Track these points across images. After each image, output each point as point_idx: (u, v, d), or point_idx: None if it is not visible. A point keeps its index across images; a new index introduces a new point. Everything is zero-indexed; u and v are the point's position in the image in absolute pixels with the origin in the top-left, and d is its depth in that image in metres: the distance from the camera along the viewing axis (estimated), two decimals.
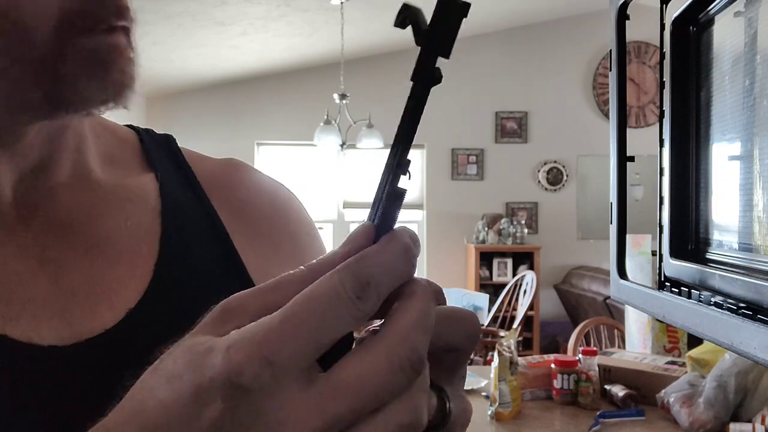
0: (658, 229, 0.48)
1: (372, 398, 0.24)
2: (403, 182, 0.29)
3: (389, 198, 0.29)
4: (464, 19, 0.29)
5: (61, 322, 0.39)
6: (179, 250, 0.44)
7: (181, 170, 0.49)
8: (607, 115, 5.57)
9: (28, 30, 0.36)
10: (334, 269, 0.25)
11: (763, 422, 1.50)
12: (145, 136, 0.50)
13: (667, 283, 0.46)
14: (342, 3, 4.35)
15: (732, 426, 1.52)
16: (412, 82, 0.30)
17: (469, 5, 0.29)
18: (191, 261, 0.44)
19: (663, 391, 1.72)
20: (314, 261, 0.28)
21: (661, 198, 0.48)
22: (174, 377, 0.25)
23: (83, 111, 0.39)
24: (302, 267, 0.27)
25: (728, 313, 0.38)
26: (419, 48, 0.30)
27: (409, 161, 0.29)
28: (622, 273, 0.59)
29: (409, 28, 0.33)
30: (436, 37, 0.29)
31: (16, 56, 0.36)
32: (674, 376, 1.81)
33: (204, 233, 0.46)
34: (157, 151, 0.49)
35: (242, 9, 4.38)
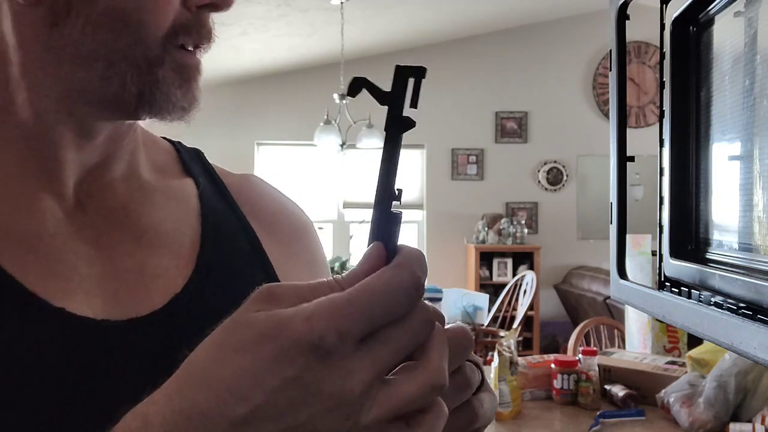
0: (658, 229, 0.48)
1: (406, 349, 0.31)
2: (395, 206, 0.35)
3: (389, 221, 0.34)
4: (423, 80, 0.34)
5: (112, 300, 0.44)
6: (217, 246, 0.50)
7: (213, 179, 0.56)
8: (607, 115, 5.57)
9: (143, 33, 0.42)
10: (390, 266, 0.31)
11: (763, 422, 1.50)
12: (180, 147, 0.57)
13: (667, 283, 0.46)
14: (342, 3, 4.35)
15: (732, 426, 1.52)
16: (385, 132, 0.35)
17: (425, 69, 0.33)
18: (227, 255, 0.51)
19: (663, 391, 1.72)
20: (340, 276, 0.32)
21: (661, 198, 0.48)
22: (247, 345, 0.29)
23: (166, 116, 0.46)
24: (332, 279, 0.32)
25: (728, 313, 0.38)
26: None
27: (399, 190, 0.35)
28: (622, 273, 0.59)
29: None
30: (396, 97, 0.34)
31: (127, 53, 0.43)
32: (674, 376, 1.81)
33: (236, 233, 0.52)
34: (191, 161, 0.56)
35: (242, 9, 4.38)
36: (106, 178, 0.48)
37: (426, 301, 0.33)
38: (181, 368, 0.31)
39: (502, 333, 4.02)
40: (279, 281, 0.50)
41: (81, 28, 0.42)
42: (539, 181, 5.93)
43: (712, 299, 0.40)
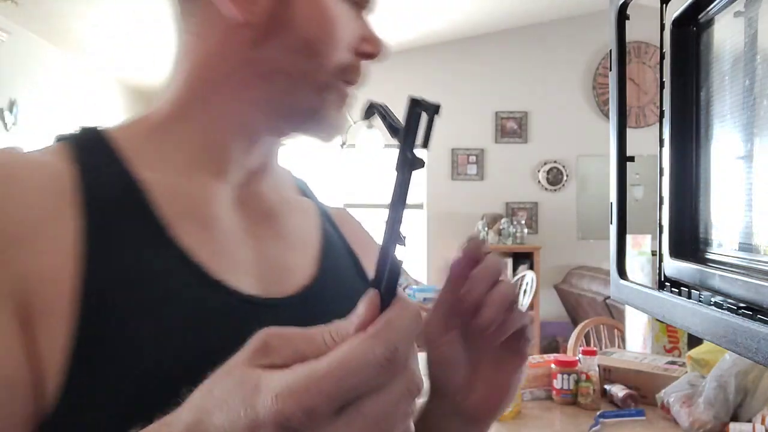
0: (657, 229, 0.47)
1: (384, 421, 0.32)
2: (400, 250, 0.36)
3: (392, 267, 0.35)
4: (436, 116, 0.35)
5: (258, 282, 0.54)
6: (331, 253, 0.62)
7: (319, 204, 0.69)
8: (607, 115, 5.57)
9: (323, 62, 0.54)
10: (366, 335, 0.32)
11: (763, 422, 1.50)
12: (292, 174, 0.71)
13: (667, 283, 0.46)
14: None
15: (732, 426, 1.52)
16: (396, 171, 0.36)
17: (439, 107, 0.34)
18: (339, 265, 0.62)
19: (663, 391, 1.72)
20: (333, 326, 0.34)
21: (661, 198, 0.47)
22: (228, 407, 0.32)
23: (321, 132, 0.58)
24: (329, 330, 0.33)
25: (728, 313, 0.38)
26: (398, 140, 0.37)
27: (404, 235, 0.36)
28: (622, 273, 0.59)
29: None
30: (409, 134, 0.35)
31: (307, 75, 0.54)
32: (674, 376, 1.80)
33: (343, 250, 0.65)
34: (303, 187, 0.70)
35: None
36: (259, 186, 0.60)
37: (413, 363, 0.33)
38: (182, 408, 0.34)
39: None
40: None
41: (276, 49, 0.53)
42: (539, 181, 5.92)
43: (712, 299, 0.40)
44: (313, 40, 0.53)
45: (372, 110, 0.43)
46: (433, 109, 0.36)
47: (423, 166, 0.36)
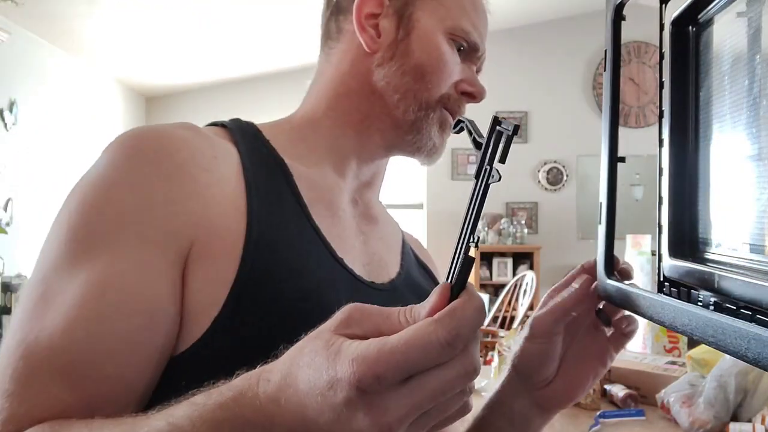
0: (657, 229, 0.47)
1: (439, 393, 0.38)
2: (471, 251, 0.41)
3: (463, 263, 0.40)
4: (515, 137, 0.39)
5: (363, 267, 0.67)
6: (409, 258, 0.77)
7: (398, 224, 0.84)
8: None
9: (430, 86, 0.67)
10: (433, 319, 0.37)
11: (763, 422, 1.50)
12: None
13: (667, 283, 0.46)
14: None
15: (732, 426, 1.52)
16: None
17: (518, 127, 0.37)
18: (410, 265, 0.76)
19: (663, 391, 1.72)
20: (408, 308, 0.39)
21: (660, 198, 0.47)
22: (314, 366, 0.38)
23: (420, 150, 0.71)
24: (404, 311, 0.39)
25: (717, 312, 0.38)
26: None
27: (478, 237, 0.42)
28: (609, 273, 0.59)
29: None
30: (488, 149, 0.39)
31: (416, 94, 0.67)
32: (674, 376, 1.80)
33: (412, 255, 0.80)
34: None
35: (243, 9, 4.38)
36: (367, 194, 0.75)
37: (475, 346, 0.39)
38: (280, 359, 0.41)
39: (502, 333, 4.02)
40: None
41: (393, 71, 0.67)
42: (539, 181, 5.92)
43: (712, 299, 0.40)
44: (423, 66, 0.67)
45: (459, 124, 0.51)
46: (513, 129, 0.40)
47: (499, 180, 0.40)
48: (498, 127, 0.41)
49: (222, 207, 0.56)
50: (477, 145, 0.44)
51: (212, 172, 0.57)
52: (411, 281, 0.74)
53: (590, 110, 5.89)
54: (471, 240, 0.40)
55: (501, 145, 0.41)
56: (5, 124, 4.05)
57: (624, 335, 0.65)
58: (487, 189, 0.41)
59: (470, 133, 0.47)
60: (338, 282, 0.61)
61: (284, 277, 0.56)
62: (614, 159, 0.56)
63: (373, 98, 0.68)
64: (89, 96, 5.10)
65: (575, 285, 0.62)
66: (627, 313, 0.63)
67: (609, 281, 0.58)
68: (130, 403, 0.50)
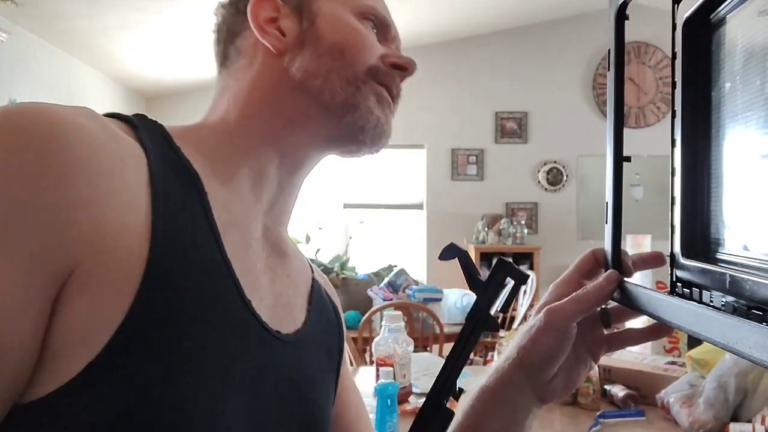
0: (669, 229, 0.47)
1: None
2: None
3: (441, 418, 0.40)
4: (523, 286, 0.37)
5: (269, 312, 0.57)
6: (318, 300, 0.69)
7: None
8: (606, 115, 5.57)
9: (352, 62, 0.61)
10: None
11: (763, 422, 1.50)
12: None
13: (679, 284, 0.46)
14: None
15: (732, 426, 1.52)
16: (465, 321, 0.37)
17: (528, 277, 0.34)
18: (322, 309, 0.69)
19: (663, 391, 1.72)
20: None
21: (673, 198, 0.47)
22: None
23: (365, 137, 0.64)
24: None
25: (724, 313, 0.38)
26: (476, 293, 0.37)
27: (461, 389, 0.36)
28: (619, 273, 0.59)
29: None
30: (488, 293, 0.34)
31: (339, 72, 0.61)
32: (674, 376, 1.81)
33: (322, 295, 0.71)
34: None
35: None
36: (280, 225, 0.66)
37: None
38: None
39: (502, 333, 4.02)
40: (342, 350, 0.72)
41: (307, 59, 0.61)
42: (539, 182, 5.93)
43: (723, 299, 0.40)
44: (338, 44, 0.61)
45: (451, 254, 0.45)
46: (522, 280, 0.37)
47: (497, 330, 0.36)
48: (503, 273, 0.37)
49: (122, 223, 0.45)
50: (473, 283, 0.38)
51: (115, 177, 0.46)
52: (317, 332, 0.66)
53: (590, 110, 5.89)
54: (453, 391, 0.36)
55: (505, 295, 0.37)
56: None
57: (626, 341, 0.64)
58: (479, 336, 0.37)
59: (465, 268, 0.39)
60: (242, 332, 0.53)
61: (185, 323, 0.47)
62: (620, 159, 0.56)
63: (293, 95, 0.61)
64: (89, 96, 5.10)
65: (602, 280, 0.58)
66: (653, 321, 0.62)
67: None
68: None
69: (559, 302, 0.58)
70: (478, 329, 0.35)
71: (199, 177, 0.54)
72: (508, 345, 0.60)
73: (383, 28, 0.66)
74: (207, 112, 0.66)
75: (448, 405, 0.35)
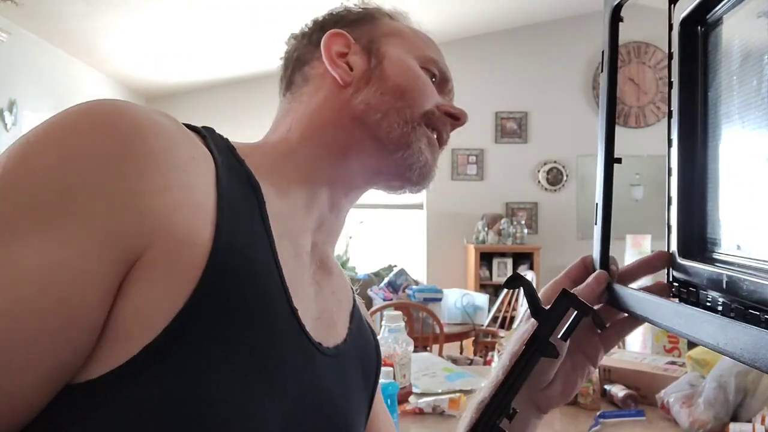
0: (666, 229, 0.47)
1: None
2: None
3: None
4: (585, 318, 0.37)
5: (313, 324, 0.59)
6: (358, 320, 0.71)
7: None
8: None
9: (411, 103, 0.67)
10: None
11: (763, 422, 1.50)
12: None
13: (676, 284, 0.46)
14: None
15: (732, 426, 1.52)
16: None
17: (592, 309, 0.34)
18: (361, 330, 0.72)
19: (663, 391, 1.72)
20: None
21: (669, 198, 0.47)
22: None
23: (413, 172, 0.69)
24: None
25: (714, 314, 0.38)
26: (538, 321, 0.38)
27: (515, 410, 0.37)
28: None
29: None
30: (550, 322, 0.35)
31: (398, 111, 0.66)
32: (674, 376, 1.80)
33: (361, 316, 0.74)
34: None
35: (243, 9, 4.38)
36: (327, 244, 0.69)
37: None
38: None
39: (502, 333, 4.02)
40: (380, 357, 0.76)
41: (370, 94, 0.66)
42: (539, 181, 5.92)
43: (720, 299, 0.40)
44: (401, 86, 0.66)
45: (516, 283, 0.46)
46: (585, 311, 0.38)
47: (556, 356, 0.36)
48: (567, 304, 0.38)
49: (191, 216, 0.48)
50: (536, 311, 0.40)
51: (187, 173, 0.49)
52: (355, 350, 0.68)
53: (590, 110, 5.89)
54: (507, 412, 0.37)
55: (568, 323, 0.38)
56: (5, 124, 4.04)
57: (617, 334, 0.65)
58: (536, 363, 0.38)
59: (529, 297, 0.42)
60: (288, 337, 0.54)
61: (238, 317, 0.49)
62: (610, 160, 0.57)
63: (352, 125, 0.66)
64: (89, 96, 5.10)
65: (591, 281, 0.60)
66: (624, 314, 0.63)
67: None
68: (4, 427, 0.42)
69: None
70: (536, 355, 0.37)
71: (260, 188, 0.58)
72: (504, 349, 0.61)
73: (442, 81, 0.73)
74: (269, 131, 0.71)
75: (500, 425, 0.37)
